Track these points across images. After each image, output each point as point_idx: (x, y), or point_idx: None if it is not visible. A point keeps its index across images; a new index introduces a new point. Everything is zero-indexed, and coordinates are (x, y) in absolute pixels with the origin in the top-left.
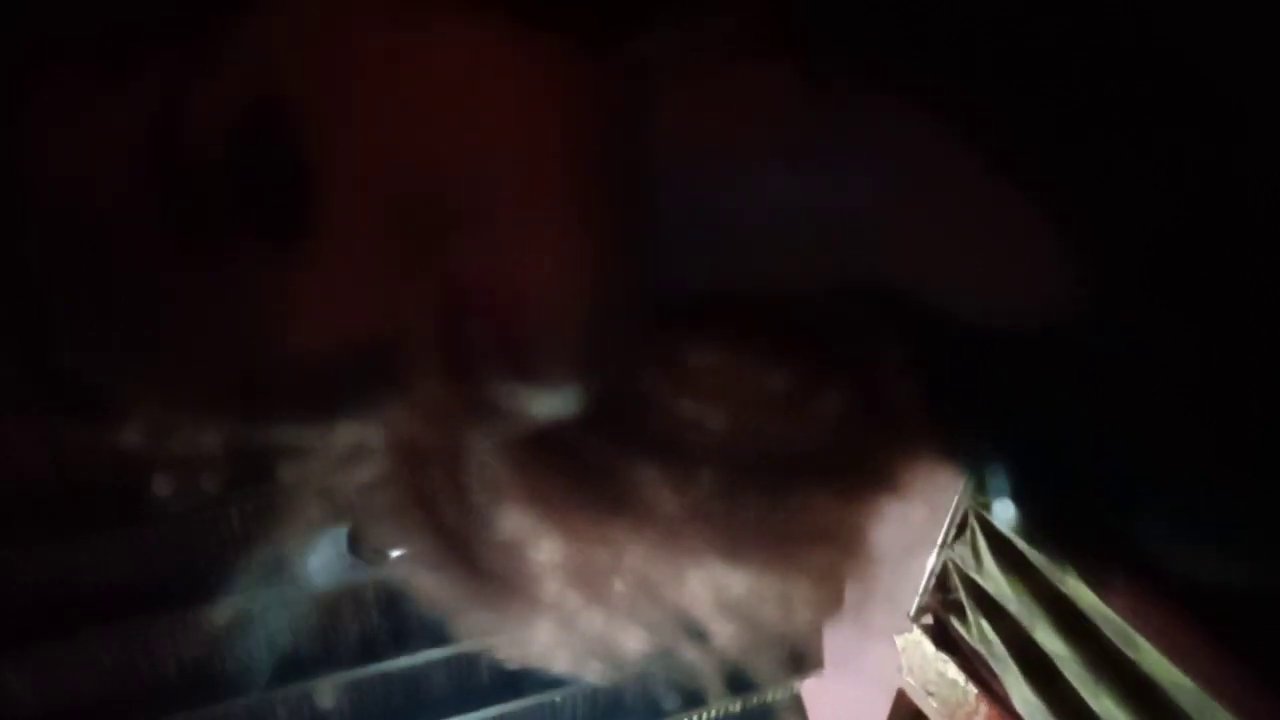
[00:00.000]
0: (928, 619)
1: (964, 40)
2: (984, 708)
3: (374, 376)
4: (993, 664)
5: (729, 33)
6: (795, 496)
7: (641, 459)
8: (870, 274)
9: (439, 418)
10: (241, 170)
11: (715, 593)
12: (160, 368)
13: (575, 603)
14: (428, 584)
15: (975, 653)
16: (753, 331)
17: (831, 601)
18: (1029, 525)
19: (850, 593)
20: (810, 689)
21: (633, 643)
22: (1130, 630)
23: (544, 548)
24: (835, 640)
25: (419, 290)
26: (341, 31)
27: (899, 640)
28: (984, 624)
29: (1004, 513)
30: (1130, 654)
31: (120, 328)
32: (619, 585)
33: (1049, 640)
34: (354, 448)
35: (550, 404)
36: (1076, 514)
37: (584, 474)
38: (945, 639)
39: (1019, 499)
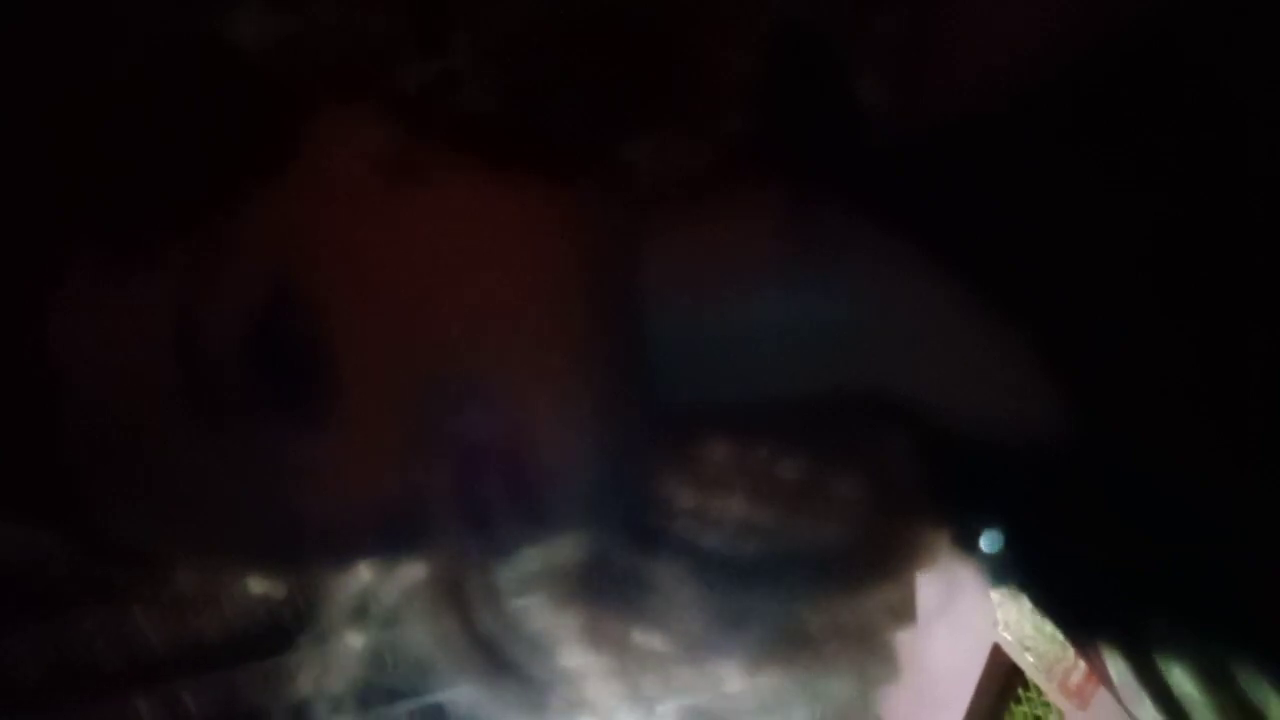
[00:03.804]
0: None
1: (940, 161)
2: (1082, 664)
3: (397, 532)
4: None
5: (711, 163)
6: (814, 593)
7: (666, 561)
8: (865, 381)
9: (464, 563)
10: (261, 355)
11: (741, 685)
12: (197, 533)
13: (609, 701)
14: (465, 688)
15: None
16: (761, 426)
17: (855, 691)
18: (1043, 603)
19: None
20: (903, 641)
21: None
22: None
23: (577, 652)
24: (930, 594)
25: (434, 452)
26: (343, 204)
27: (995, 595)
28: None
29: (1014, 592)
30: None
31: (156, 500)
32: (650, 684)
33: None
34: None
35: (567, 541)
36: (1089, 595)
37: (613, 580)
38: None
39: (1031, 579)
